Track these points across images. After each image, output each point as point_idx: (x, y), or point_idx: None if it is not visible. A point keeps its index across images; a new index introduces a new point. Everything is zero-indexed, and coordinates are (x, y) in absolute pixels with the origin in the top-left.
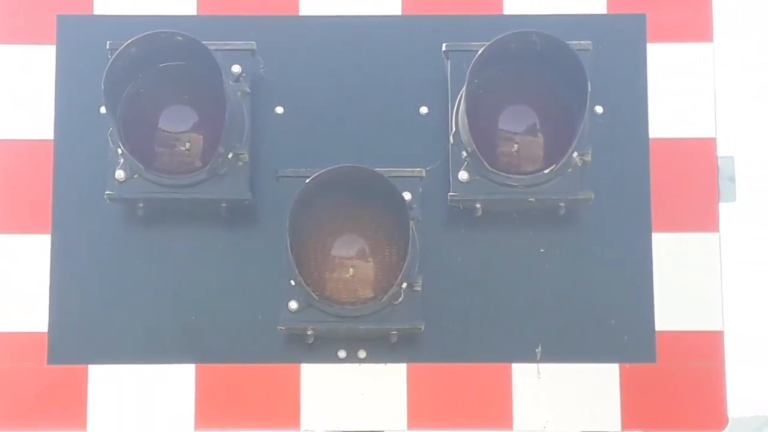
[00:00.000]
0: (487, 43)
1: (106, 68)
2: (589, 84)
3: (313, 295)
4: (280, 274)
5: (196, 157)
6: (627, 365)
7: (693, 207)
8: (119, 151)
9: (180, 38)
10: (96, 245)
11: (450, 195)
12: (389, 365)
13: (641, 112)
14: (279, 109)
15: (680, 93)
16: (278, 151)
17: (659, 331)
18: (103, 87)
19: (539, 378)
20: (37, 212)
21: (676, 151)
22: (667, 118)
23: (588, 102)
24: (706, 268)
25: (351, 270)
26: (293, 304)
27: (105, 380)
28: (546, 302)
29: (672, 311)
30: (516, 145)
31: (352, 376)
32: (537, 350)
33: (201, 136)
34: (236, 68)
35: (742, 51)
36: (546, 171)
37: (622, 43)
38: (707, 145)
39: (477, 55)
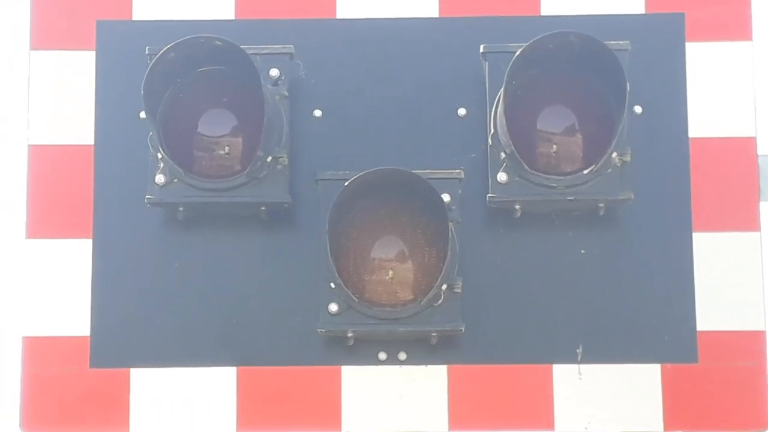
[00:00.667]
0: (525, 44)
1: (146, 73)
2: (628, 84)
3: (353, 297)
4: (319, 277)
5: (235, 160)
6: (669, 366)
7: (734, 206)
8: (159, 156)
9: (218, 42)
10: (137, 249)
11: (489, 196)
12: (429, 367)
13: (681, 111)
14: (317, 113)
15: (719, 92)
16: (317, 154)
17: (701, 332)
18: (142, 92)
19: (581, 379)
20: (79, 217)
21: (716, 150)
22: (706, 117)
23: (627, 102)
24: (747, 268)
25: (390, 272)
26: (333, 307)
27: (147, 383)
28: (586, 303)
29: (713, 311)
30: (555, 146)
31: (393, 378)
32: (578, 351)
33: (240, 140)
34: (274, 72)
35: None
36: (585, 171)
37: (661, 43)
38: (747, 144)
39: (515, 56)
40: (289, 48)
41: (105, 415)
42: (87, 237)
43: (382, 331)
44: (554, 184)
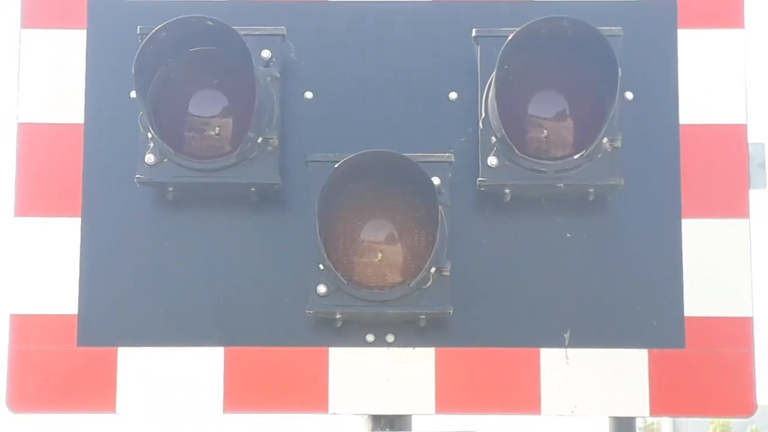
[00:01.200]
0: (518, 29)
1: (137, 53)
2: (619, 70)
3: (342, 279)
4: (308, 259)
5: (225, 141)
6: (656, 351)
7: (723, 193)
8: (149, 135)
9: (210, 23)
10: (126, 229)
11: (479, 180)
12: (417, 349)
13: (671, 98)
14: (308, 94)
15: (711, 79)
16: (307, 135)
17: (688, 317)
18: (133, 71)
19: (567, 363)
20: (68, 196)
21: (707, 137)
22: (697, 104)
23: (618, 88)
24: (735, 255)
25: (379, 254)
26: (322, 288)
27: (134, 362)
28: (575, 287)
29: (701, 297)
30: (545, 131)
31: (381, 360)
32: (565, 335)
33: (231, 121)
34: (266, 53)
35: None
36: (575, 156)
37: (653, 29)
38: (738, 132)
39: (507, 41)
40: (281, 29)
41: (92, 394)
42: (76, 216)
43: (370, 313)
44: (544, 169)
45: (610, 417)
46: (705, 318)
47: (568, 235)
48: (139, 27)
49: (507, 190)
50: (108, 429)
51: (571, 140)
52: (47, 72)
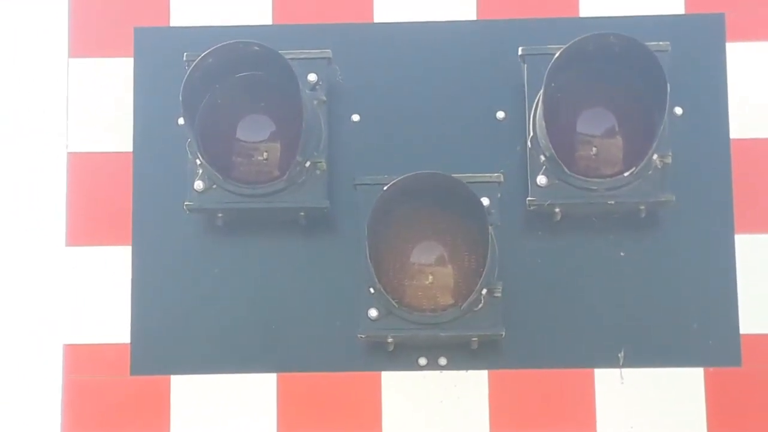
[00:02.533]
0: (564, 46)
1: (184, 79)
2: (668, 85)
3: (393, 302)
4: (359, 282)
5: (273, 166)
6: (712, 369)
7: None
8: (197, 162)
9: (256, 48)
10: (176, 256)
11: (529, 200)
12: (470, 372)
13: (721, 112)
14: (355, 117)
15: (760, 92)
16: (355, 158)
17: (744, 335)
18: (180, 98)
19: (623, 383)
20: (118, 224)
21: (758, 151)
22: (747, 118)
23: (667, 103)
24: None
25: (430, 277)
26: (373, 312)
27: (187, 390)
28: (628, 306)
29: (757, 314)
30: (595, 148)
31: (434, 383)
32: (620, 355)
33: (278, 145)
34: (312, 77)
35: None
36: (626, 174)
37: (701, 43)
38: None
39: (554, 58)
40: (327, 53)
41: (146, 423)
42: (126, 244)
43: (422, 336)
44: (594, 187)
45: None
46: (761, 335)
47: (622, 253)
48: (185, 54)
49: (557, 209)
50: None
51: (621, 157)
52: (95, 100)
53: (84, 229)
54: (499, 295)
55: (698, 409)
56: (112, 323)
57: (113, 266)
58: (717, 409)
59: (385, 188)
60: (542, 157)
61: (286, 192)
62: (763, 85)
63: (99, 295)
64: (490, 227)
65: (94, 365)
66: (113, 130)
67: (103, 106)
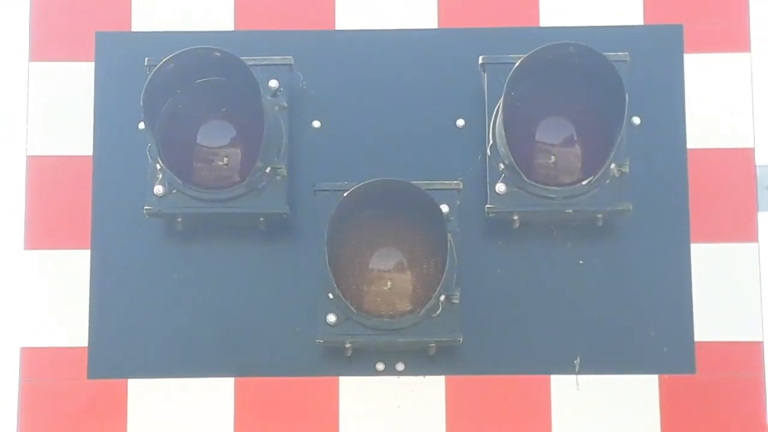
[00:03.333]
0: (524, 56)
1: (145, 84)
2: (626, 95)
3: (352, 308)
4: (318, 288)
5: (234, 171)
6: (666, 376)
7: (732, 217)
8: (158, 167)
9: (218, 54)
10: (135, 260)
11: (487, 207)
12: (428, 378)
13: (679, 122)
14: (316, 123)
15: (718, 103)
16: (316, 164)
17: (699, 342)
18: (141, 103)
19: (578, 390)
20: (77, 228)
21: (715, 161)
22: (704, 128)
23: (626, 113)
24: (745, 279)
25: (389, 283)
26: (331, 318)
27: (144, 394)
28: (584, 314)
29: (711, 322)
30: (553, 157)
31: (391, 388)
32: (576, 362)
33: (239, 151)
34: (274, 83)
35: None
36: (584, 182)
37: (660, 54)
38: (746, 156)
39: (514, 68)
40: (289, 59)
41: (103, 426)
42: (85, 248)
43: (380, 341)
44: (553, 195)
45: None
46: (715, 343)
47: (579, 261)
48: (146, 58)
49: (516, 217)
50: None
51: (579, 166)
52: (56, 104)
53: (43, 232)
54: (457, 301)
55: (653, 415)
56: (70, 327)
57: (72, 270)
58: (671, 415)
59: (345, 195)
60: (501, 165)
61: (246, 197)
62: (720, 96)
63: (57, 298)
64: (449, 234)
65: (52, 369)
66: (73, 133)
67: (64, 109)
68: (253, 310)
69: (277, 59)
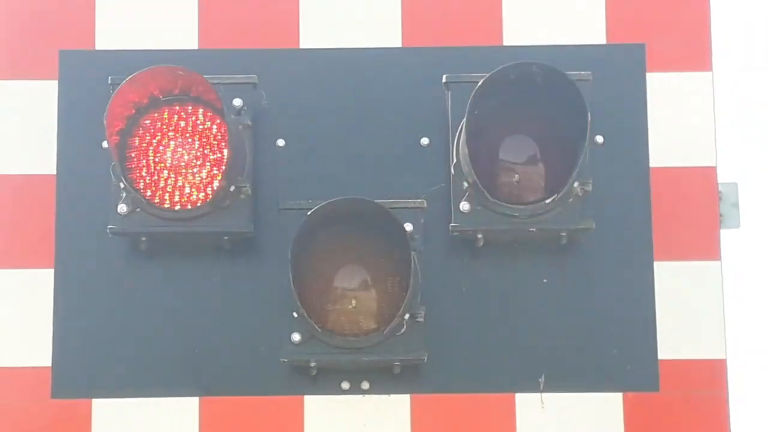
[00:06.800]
0: (487, 75)
1: (108, 103)
2: (589, 114)
3: (316, 327)
4: (282, 307)
5: (198, 190)
6: (630, 394)
7: (694, 236)
8: (121, 185)
9: (181, 72)
10: (99, 279)
11: (451, 226)
12: (393, 396)
13: (641, 141)
14: (280, 142)
15: (680, 122)
16: (280, 183)
17: (662, 360)
18: (104, 121)
19: (543, 408)
20: (40, 247)
21: (677, 180)
22: (667, 147)
23: (588, 132)
24: (708, 297)
25: (353, 301)
26: (296, 336)
27: (109, 414)
28: (549, 332)
29: (674, 340)
30: (517, 176)
31: (356, 407)
32: (540, 380)
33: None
34: (238, 101)
35: (741, 79)
36: (547, 201)
37: (622, 73)
38: (708, 174)
39: (477, 87)
40: (253, 78)
41: None
42: (49, 267)
43: (345, 360)
44: (516, 214)
45: None
46: (678, 360)
47: (544, 280)
48: (110, 77)
49: (480, 236)
50: None
51: (543, 184)
52: (19, 122)
53: (6, 251)
54: (421, 320)
55: None
56: (34, 346)
57: (35, 289)
58: None
59: (309, 213)
60: (465, 184)
61: (210, 216)
62: (683, 114)
63: (20, 317)
64: (412, 252)
65: (15, 388)
66: (36, 152)
67: (27, 128)
68: (217, 329)
69: (241, 78)
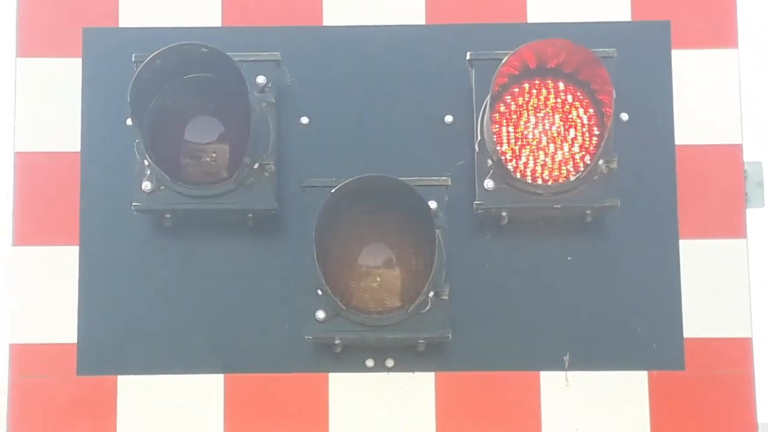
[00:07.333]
0: (512, 52)
1: (132, 80)
2: (614, 91)
3: (341, 304)
4: (307, 284)
5: (222, 167)
6: (655, 373)
7: (720, 214)
8: (146, 163)
9: (205, 50)
10: (124, 256)
11: (476, 203)
12: (417, 374)
13: (667, 119)
14: (304, 120)
15: (705, 99)
16: (304, 161)
17: (687, 338)
18: (129, 99)
19: (567, 386)
20: (65, 224)
21: (703, 157)
22: (692, 124)
23: (613, 109)
24: (733, 275)
25: (378, 279)
26: (320, 314)
27: (134, 391)
28: (573, 310)
29: (700, 318)
30: (542, 153)
31: (380, 385)
32: (565, 358)
33: (227, 147)
34: (261, 79)
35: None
36: (572, 179)
37: (647, 50)
38: (733, 152)
39: (501, 64)
40: (276, 55)
41: (92, 423)
42: (74, 244)
43: (369, 338)
44: (541, 191)
45: None
46: (704, 339)
47: (568, 258)
48: (134, 55)
49: (504, 213)
50: None
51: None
52: (43, 100)
53: (31, 228)
54: (446, 297)
55: (642, 411)
56: (59, 323)
57: (60, 266)
58: (660, 411)
59: (333, 191)
60: (489, 162)
61: (234, 194)
62: (708, 92)
63: (46, 295)
64: (437, 230)
65: (41, 365)
66: (61, 130)
67: (51, 106)
68: (242, 306)
69: (264, 55)
